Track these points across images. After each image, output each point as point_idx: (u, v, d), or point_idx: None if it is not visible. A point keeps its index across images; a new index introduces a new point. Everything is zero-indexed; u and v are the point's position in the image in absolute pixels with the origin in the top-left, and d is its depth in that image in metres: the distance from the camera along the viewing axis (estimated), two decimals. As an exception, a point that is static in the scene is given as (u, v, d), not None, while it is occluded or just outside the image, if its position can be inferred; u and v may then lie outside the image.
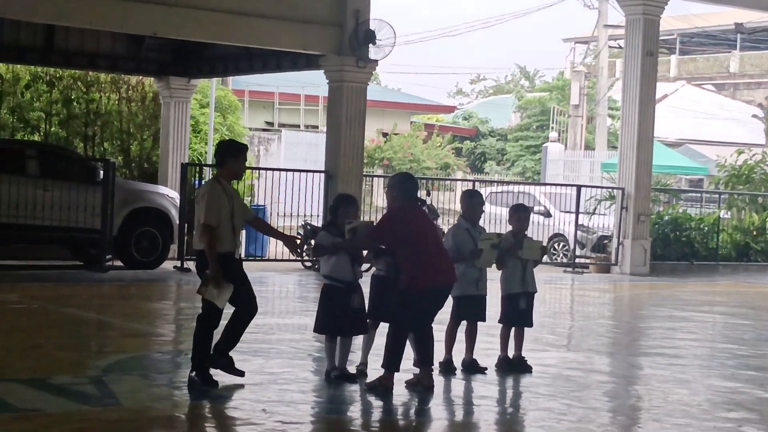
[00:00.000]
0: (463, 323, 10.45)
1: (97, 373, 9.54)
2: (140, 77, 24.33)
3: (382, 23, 19.37)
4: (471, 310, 10.34)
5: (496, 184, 30.77)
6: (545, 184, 31.65)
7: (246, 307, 9.16)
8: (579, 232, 24.35)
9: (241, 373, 9.19)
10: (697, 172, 38.53)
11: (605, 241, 24.74)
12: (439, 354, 9.93)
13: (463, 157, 47.67)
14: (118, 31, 20.19)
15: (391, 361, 9.18)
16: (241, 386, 9.01)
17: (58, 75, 23.95)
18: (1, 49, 21.64)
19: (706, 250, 25.98)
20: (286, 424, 7.92)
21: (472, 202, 10.51)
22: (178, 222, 19.44)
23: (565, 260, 24.90)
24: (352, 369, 9.58)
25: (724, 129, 45.64)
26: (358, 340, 9.78)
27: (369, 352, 9.71)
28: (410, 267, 9.21)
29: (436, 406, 9.02)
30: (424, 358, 9.39)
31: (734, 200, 27.97)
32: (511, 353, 10.59)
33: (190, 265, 19.32)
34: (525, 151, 48.05)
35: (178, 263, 19.35)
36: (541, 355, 11.51)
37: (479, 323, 10.50)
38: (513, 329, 10.62)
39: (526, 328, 10.73)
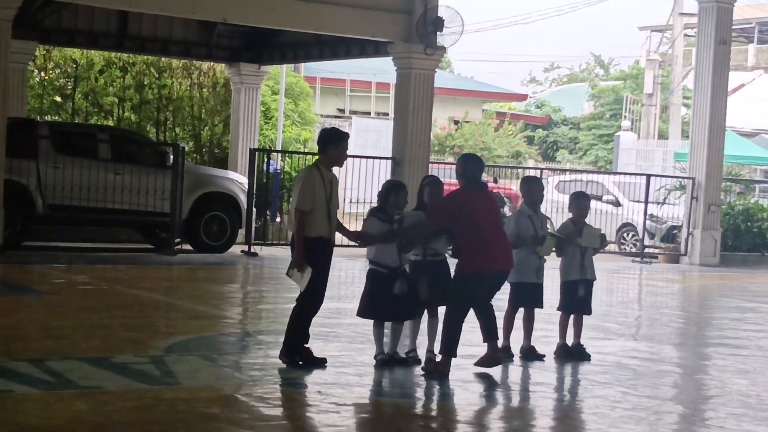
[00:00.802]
0: (521, 310, 10.47)
1: (159, 353, 9.71)
2: (211, 63, 24.59)
3: (451, 10, 19.35)
4: (529, 297, 10.36)
5: (567, 172, 30.63)
6: (614, 173, 31.45)
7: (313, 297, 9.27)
8: (648, 222, 24.18)
9: (322, 361, 9.33)
10: (772, 162, 37.92)
11: (675, 231, 24.52)
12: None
13: (534, 146, 47.46)
14: (189, 17, 20.42)
15: (449, 346, 9.23)
16: (300, 368, 9.13)
17: (131, 61, 24.30)
18: (75, 35, 22.02)
19: (778, 241, 25.64)
20: (340, 406, 8.01)
21: (531, 187, 10.52)
22: (246, 207, 19.65)
23: (634, 250, 24.73)
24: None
25: (801, 119, 44.84)
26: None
27: (416, 338, 9.76)
28: (468, 251, 9.24)
29: (494, 391, 9.06)
30: (489, 333, 9.46)
31: (808, 191, 27.55)
32: (570, 341, 10.58)
33: (258, 249, 19.58)
34: (598, 140, 47.72)
35: (246, 248, 19.56)
36: (603, 343, 11.49)
37: (538, 310, 10.52)
38: (572, 317, 10.62)
39: (586, 317, 10.72)
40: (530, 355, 10.29)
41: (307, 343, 9.33)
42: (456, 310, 9.27)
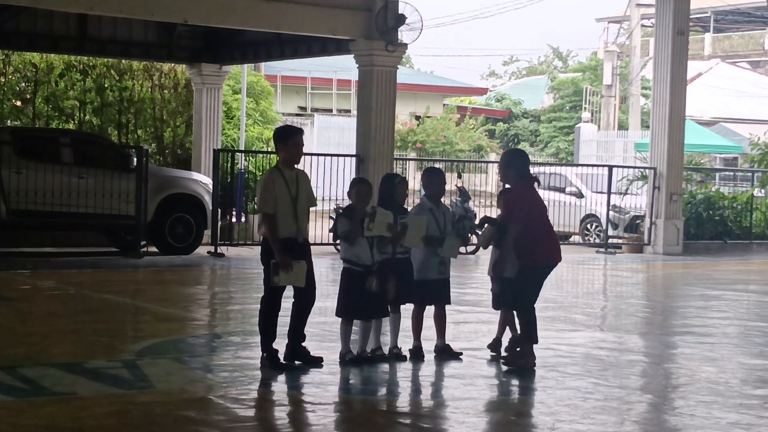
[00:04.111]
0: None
1: (131, 357, 9.71)
2: (172, 64, 24.51)
3: (409, 7, 19.40)
4: (434, 294, 10.05)
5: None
6: (577, 165, 31.63)
7: (301, 296, 9.35)
8: (611, 213, 24.35)
9: (318, 360, 9.41)
10: (731, 150, 38.33)
11: (638, 221, 24.72)
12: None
13: (496, 139, 47.63)
14: (149, 19, 20.36)
15: (530, 336, 9.57)
16: (284, 369, 9.18)
17: (91, 63, 24.17)
18: (35, 39, 21.88)
19: (740, 228, 25.88)
20: (315, 405, 8.06)
21: (432, 179, 10.10)
22: (211, 208, 19.63)
23: (597, 241, 24.90)
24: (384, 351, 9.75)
25: (759, 107, 45.30)
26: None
27: (380, 335, 9.79)
28: (531, 244, 9.47)
29: (462, 385, 9.12)
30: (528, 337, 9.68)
31: (768, 178, 27.81)
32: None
33: (224, 250, 19.57)
34: (558, 132, 47.97)
35: (212, 248, 19.54)
36: (571, 335, 11.59)
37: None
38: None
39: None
40: (446, 353, 10.00)
41: (303, 342, 9.39)
42: (527, 304, 9.56)
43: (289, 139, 9.28)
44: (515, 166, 9.64)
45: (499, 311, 10.36)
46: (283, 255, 8.99)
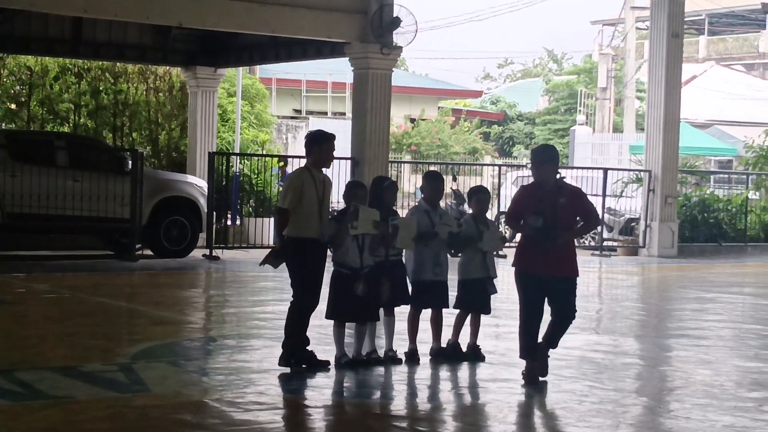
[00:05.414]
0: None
1: (126, 360, 9.71)
2: (167, 67, 24.49)
3: (403, 9, 19.40)
4: (430, 297, 10.03)
5: (524, 168, 30.80)
6: (572, 168, 31.65)
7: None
8: (606, 215, 24.37)
9: (325, 364, 9.42)
10: (726, 153, 38.35)
11: (633, 224, 24.75)
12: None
13: (491, 142, 47.65)
14: (144, 22, 20.34)
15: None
16: (269, 372, 9.17)
17: (86, 66, 24.15)
18: (29, 42, 21.86)
19: (735, 231, 25.92)
20: (310, 408, 8.06)
21: (433, 184, 10.16)
22: (206, 210, 19.62)
23: (593, 243, 24.92)
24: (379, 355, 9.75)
25: (753, 109, 45.34)
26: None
27: (374, 338, 9.78)
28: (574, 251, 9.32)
29: (457, 389, 9.14)
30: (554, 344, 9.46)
31: (762, 181, 27.86)
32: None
33: (219, 253, 19.57)
34: (553, 135, 48.00)
35: (207, 251, 19.54)
36: (566, 338, 11.46)
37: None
38: (470, 316, 10.23)
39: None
40: (440, 356, 9.95)
41: (308, 346, 9.40)
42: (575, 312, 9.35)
43: (324, 142, 9.51)
44: (554, 162, 9.18)
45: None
46: (279, 253, 9.31)
